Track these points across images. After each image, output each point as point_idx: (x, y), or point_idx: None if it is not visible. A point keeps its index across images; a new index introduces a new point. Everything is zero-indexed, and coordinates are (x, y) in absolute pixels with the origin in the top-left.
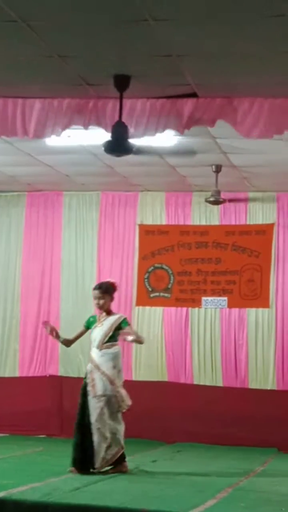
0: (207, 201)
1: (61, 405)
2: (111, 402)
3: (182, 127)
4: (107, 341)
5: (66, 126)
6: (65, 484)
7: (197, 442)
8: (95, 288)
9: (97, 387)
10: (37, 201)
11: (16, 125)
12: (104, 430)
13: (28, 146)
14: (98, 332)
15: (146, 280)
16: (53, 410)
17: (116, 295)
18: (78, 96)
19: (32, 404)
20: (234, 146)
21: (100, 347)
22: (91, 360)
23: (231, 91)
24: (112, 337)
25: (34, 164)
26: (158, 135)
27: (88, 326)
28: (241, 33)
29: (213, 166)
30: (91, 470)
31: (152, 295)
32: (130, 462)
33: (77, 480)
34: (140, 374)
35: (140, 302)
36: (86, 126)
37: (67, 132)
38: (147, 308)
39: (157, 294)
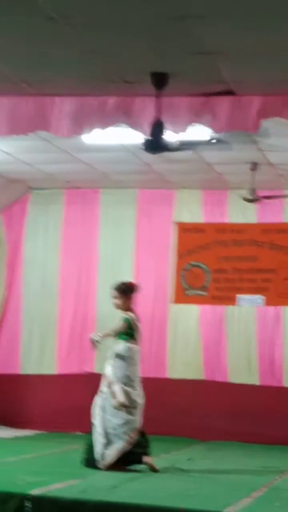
0: (243, 199)
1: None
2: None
3: (220, 127)
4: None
5: (104, 125)
6: (101, 481)
7: (233, 441)
8: (112, 287)
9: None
10: (75, 199)
11: (52, 123)
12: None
13: (66, 144)
14: None
15: (182, 277)
16: (89, 407)
17: (152, 292)
18: (116, 94)
19: (69, 401)
20: (271, 143)
21: (112, 343)
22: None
23: (269, 88)
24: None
25: (72, 161)
26: (195, 131)
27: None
28: (280, 29)
29: (250, 164)
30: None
31: (188, 292)
32: (166, 460)
33: (113, 478)
34: (175, 372)
35: (177, 299)
36: (123, 124)
37: (105, 130)
38: (183, 305)
39: (193, 291)
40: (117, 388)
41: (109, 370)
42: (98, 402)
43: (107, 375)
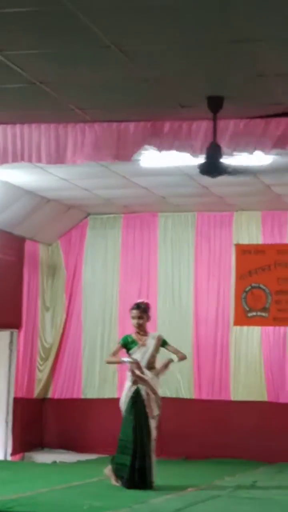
0: None
1: (160, 425)
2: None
3: (278, 147)
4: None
5: (162, 148)
6: (167, 504)
7: None
8: (134, 308)
9: (153, 408)
10: (133, 223)
11: (112, 149)
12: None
13: (123, 168)
14: (143, 352)
15: (243, 299)
16: None
17: (213, 314)
18: (172, 118)
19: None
20: None
21: (150, 367)
22: (143, 381)
23: None
24: (155, 356)
25: (130, 186)
26: (252, 154)
27: (125, 345)
28: None
29: None
30: (142, 487)
31: (249, 314)
32: (231, 482)
33: (178, 501)
34: (239, 394)
35: (238, 321)
36: (183, 149)
37: (162, 153)
38: (245, 327)
39: (254, 313)
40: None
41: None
42: (153, 425)
43: (159, 397)
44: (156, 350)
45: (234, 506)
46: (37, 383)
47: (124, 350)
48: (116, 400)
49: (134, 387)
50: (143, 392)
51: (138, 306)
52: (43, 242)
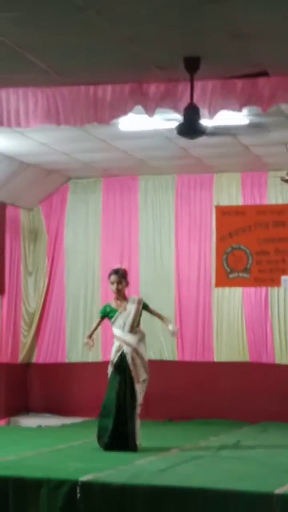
0: (282, 179)
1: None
2: (145, 385)
3: (261, 106)
4: (137, 325)
5: (142, 111)
6: (150, 466)
7: (281, 422)
8: (112, 274)
9: (139, 373)
10: (113, 186)
11: (90, 112)
12: (139, 408)
13: (102, 132)
14: (125, 317)
15: (224, 261)
16: None
17: (195, 276)
18: (149, 80)
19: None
20: None
21: (134, 331)
22: (128, 345)
23: None
24: (138, 320)
25: (109, 149)
26: (231, 115)
27: (106, 315)
28: None
29: (287, 145)
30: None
31: (231, 275)
32: (215, 442)
33: (162, 462)
34: (222, 355)
35: (219, 283)
36: (158, 111)
37: (141, 116)
38: (227, 289)
39: (236, 274)
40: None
41: (146, 356)
42: (140, 390)
43: (145, 361)
44: (137, 314)
45: (218, 465)
46: (21, 348)
47: (106, 320)
48: (100, 364)
49: (119, 353)
50: (128, 357)
51: (116, 271)
52: (24, 207)
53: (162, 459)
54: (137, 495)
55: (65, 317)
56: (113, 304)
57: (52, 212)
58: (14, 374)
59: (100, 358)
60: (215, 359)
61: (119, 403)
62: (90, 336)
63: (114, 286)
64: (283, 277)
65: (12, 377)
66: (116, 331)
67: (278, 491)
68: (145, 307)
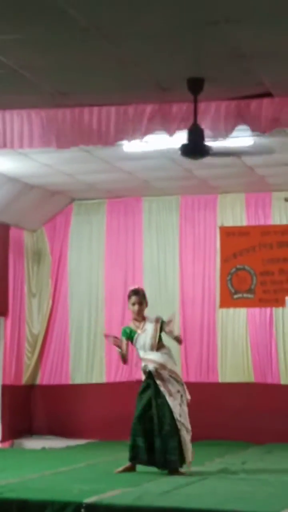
0: (286, 200)
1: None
2: (183, 396)
3: (262, 128)
4: (159, 342)
5: (144, 133)
6: (155, 487)
7: (287, 442)
8: (132, 294)
9: (169, 386)
10: (117, 208)
11: (93, 134)
12: (187, 424)
13: (106, 153)
14: (144, 338)
15: (229, 281)
16: None
17: (199, 297)
18: (153, 101)
19: (120, 409)
20: None
21: (156, 348)
22: (152, 362)
23: None
24: (160, 338)
25: (113, 171)
26: (234, 136)
27: (130, 336)
28: None
29: None
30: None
31: (235, 296)
32: (220, 464)
33: (166, 484)
34: (226, 376)
35: (224, 303)
36: (163, 133)
37: (145, 138)
38: (231, 309)
39: (240, 295)
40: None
41: (176, 369)
42: (174, 403)
43: (176, 373)
44: (156, 332)
45: (223, 486)
46: (25, 369)
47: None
48: (104, 385)
49: (146, 373)
50: (154, 373)
51: (136, 292)
52: (28, 228)
53: (167, 480)
54: None
55: (69, 338)
56: (132, 325)
57: (56, 233)
58: (18, 395)
59: (104, 379)
60: (220, 380)
61: (144, 418)
62: (125, 362)
63: (135, 307)
64: (287, 298)
65: (16, 399)
66: (139, 352)
67: None
68: (162, 325)
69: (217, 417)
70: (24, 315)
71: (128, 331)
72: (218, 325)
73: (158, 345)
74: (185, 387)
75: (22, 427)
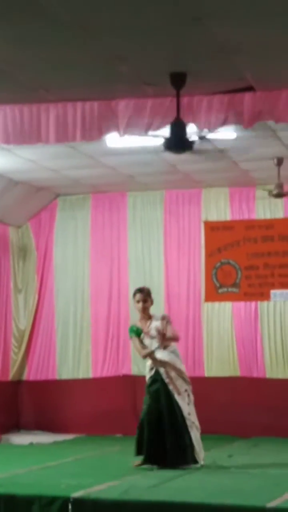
0: (270, 194)
1: (135, 403)
2: (190, 396)
3: (245, 122)
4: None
5: (127, 127)
6: (142, 481)
7: (273, 436)
8: (137, 292)
9: (177, 384)
10: (102, 203)
11: (77, 129)
12: (196, 422)
13: (90, 148)
14: (150, 338)
15: (213, 276)
16: (127, 409)
17: (185, 291)
18: (136, 96)
19: (107, 404)
20: None
21: (164, 346)
22: (159, 362)
23: None
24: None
25: (97, 166)
26: (217, 130)
27: (137, 333)
28: None
29: (275, 159)
30: (194, 465)
31: (220, 290)
32: (207, 457)
33: (153, 478)
34: (212, 370)
35: (209, 298)
36: (146, 128)
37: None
38: (216, 303)
39: (225, 289)
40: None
41: (183, 367)
42: (182, 402)
43: (183, 372)
44: (162, 330)
45: (210, 479)
46: (12, 365)
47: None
48: (91, 380)
49: (152, 371)
50: (162, 372)
51: (141, 290)
52: (13, 224)
53: (154, 474)
54: (129, 510)
55: (55, 333)
56: (139, 324)
57: (41, 229)
58: (5, 391)
59: (90, 375)
60: (206, 374)
61: (153, 417)
62: (145, 355)
63: (140, 305)
64: (272, 291)
65: (3, 394)
66: None
67: (270, 504)
68: (167, 325)
69: (203, 411)
70: (11, 310)
71: (134, 329)
72: (204, 319)
73: (165, 344)
74: (191, 387)
75: (9, 422)
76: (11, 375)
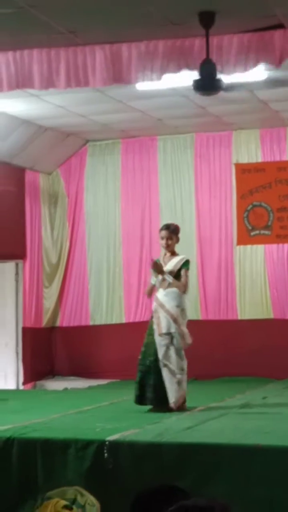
0: None
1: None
2: (175, 340)
3: (276, 61)
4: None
5: (159, 70)
6: (177, 424)
7: None
8: (163, 228)
9: (161, 325)
10: (132, 148)
11: (106, 73)
12: (172, 366)
13: (118, 92)
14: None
15: (245, 219)
16: None
17: (216, 235)
18: (164, 37)
19: (140, 349)
20: None
21: (165, 286)
22: (156, 300)
23: None
24: (176, 277)
25: (126, 110)
26: (248, 70)
27: (157, 269)
28: None
29: None
30: (165, 409)
31: (252, 233)
32: (241, 399)
33: (188, 420)
34: (245, 313)
35: (241, 241)
36: (177, 69)
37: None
38: (248, 246)
39: (257, 232)
40: (186, 330)
41: (176, 311)
42: (161, 343)
43: (172, 315)
44: (174, 270)
45: (244, 421)
46: (45, 312)
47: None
48: (124, 325)
49: (153, 306)
50: (153, 311)
51: (167, 226)
52: (43, 171)
53: (188, 417)
54: (164, 452)
55: (88, 280)
56: (161, 259)
57: (71, 175)
58: (39, 338)
59: (123, 320)
60: (239, 317)
61: (144, 356)
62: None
63: (163, 242)
64: None
65: (37, 341)
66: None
67: None
68: (183, 266)
69: (236, 354)
70: (42, 258)
71: (157, 261)
72: (236, 262)
73: (168, 284)
74: (184, 332)
75: (43, 369)
76: (44, 321)
